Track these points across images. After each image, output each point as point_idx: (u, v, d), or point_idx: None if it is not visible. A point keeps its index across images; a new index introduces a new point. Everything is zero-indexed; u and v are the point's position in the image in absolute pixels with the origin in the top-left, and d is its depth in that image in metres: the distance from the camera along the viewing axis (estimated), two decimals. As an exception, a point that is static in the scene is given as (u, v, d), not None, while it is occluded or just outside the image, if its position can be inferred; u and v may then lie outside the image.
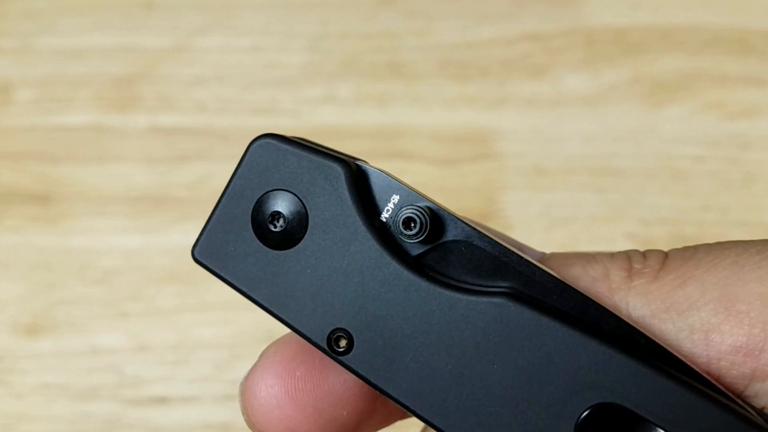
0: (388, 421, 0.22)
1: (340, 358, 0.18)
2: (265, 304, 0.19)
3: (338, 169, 0.18)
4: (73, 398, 0.41)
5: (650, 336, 0.18)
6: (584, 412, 0.17)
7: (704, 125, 0.48)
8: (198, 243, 0.19)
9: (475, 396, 0.18)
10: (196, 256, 0.19)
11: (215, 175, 0.46)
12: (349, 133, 0.47)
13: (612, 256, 0.19)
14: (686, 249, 0.19)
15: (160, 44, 0.50)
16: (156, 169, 0.47)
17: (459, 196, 0.45)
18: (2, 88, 0.49)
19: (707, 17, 0.51)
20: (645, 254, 0.19)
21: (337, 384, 0.20)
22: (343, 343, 0.18)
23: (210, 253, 0.19)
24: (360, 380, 0.19)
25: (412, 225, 0.18)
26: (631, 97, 0.49)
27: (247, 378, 0.21)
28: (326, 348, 0.18)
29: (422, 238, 0.18)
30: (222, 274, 0.19)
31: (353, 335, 0.18)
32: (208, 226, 0.19)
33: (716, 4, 0.51)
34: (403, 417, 0.21)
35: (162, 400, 0.41)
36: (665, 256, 0.19)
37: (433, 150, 0.47)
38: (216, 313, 0.43)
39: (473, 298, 0.18)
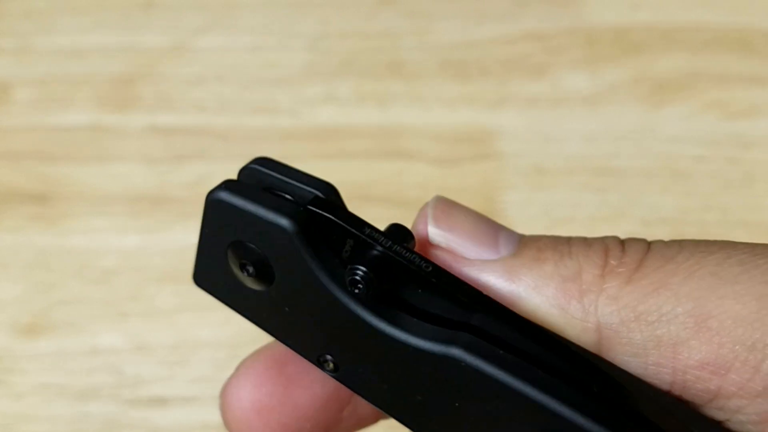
0: (357, 428, 0.23)
1: (331, 375, 0.20)
2: (262, 327, 0.21)
3: (286, 226, 0.18)
4: (73, 398, 0.41)
5: (604, 378, 0.17)
6: None
7: (705, 125, 0.48)
8: (194, 270, 0.21)
9: (444, 419, 0.19)
10: (196, 282, 0.21)
11: (215, 175, 0.46)
12: (349, 133, 0.47)
13: (589, 246, 0.18)
14: (670, 246, 0.18)
15: (160, 44, 0.50)
16: (155, 169, 0.46)
17: (459, 196, 0.45)
18: (2, 88, 0.49)
19: (708, 17, 0.51)
20: (624, 245, 0.18)
21: (301, 399, 0.21)
22: (330, 365, 0.20)
23: (205, 280, 0.21)
24: (324, 394, 0.21)
25: (360, 286, 0.18)
26: (632, 97, 0.49)
27: (223, 390, 0.22)
28: (319, 367, 0.20)
29: (372, 295, 0.18)
30: (221, 299, 0.21)
31: (336, 361, 0.20)
32: (196, 258, 0.20)
33: (717, 3, 0.51)
34: (374, 421, 0.23)
35: (161, 400, 0.41)
36: (646, 250, 0.18)
37: (433, 150, 0.46)
38: (215, 313, 0.42)
39: (429, 345, 0.18)
